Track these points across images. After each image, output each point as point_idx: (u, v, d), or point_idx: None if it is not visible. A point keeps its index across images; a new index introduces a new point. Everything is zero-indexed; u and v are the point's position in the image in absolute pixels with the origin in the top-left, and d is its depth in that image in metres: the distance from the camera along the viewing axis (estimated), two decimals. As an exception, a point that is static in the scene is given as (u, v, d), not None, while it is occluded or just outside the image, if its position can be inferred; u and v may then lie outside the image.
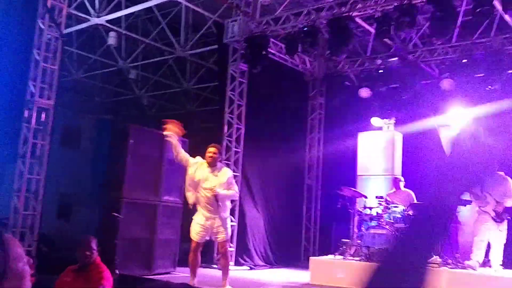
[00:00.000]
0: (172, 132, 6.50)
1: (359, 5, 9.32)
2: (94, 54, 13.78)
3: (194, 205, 6.53)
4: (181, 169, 8.57)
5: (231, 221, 8.51)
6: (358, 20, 9.87)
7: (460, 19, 8.96)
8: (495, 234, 7.58)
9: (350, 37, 9.38)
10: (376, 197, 8.86)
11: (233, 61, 10.90)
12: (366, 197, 9.19)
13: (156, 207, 8.49)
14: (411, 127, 10.79)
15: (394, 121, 11.49)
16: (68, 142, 15.63)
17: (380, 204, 8.56)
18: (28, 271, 1.27)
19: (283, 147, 11.37)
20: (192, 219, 6.64)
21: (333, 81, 12.47)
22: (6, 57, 8.32)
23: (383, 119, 11.53)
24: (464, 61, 9.98)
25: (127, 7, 11.01)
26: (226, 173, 6.58)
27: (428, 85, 10.91)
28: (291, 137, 11.80)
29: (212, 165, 6.47)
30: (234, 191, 6.63)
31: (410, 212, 8.14)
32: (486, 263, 7.65)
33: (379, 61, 11.74)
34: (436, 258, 7.51)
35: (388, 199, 8.63)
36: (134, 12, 11.44)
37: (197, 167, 6.47)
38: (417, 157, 10.65)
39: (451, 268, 7.51)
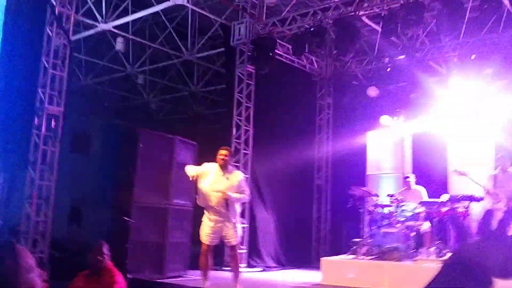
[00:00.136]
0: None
1: (365, 4, 9.30)
2: (102, 60, 13.87)
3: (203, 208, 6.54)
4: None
5: (242, 223, 8.51)
6: (364, 19, 9.85)
7: (467, 15, 8.90)
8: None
9: (357, 37, 9.37)
10: (388, 195, 8.83)
11: (240, 63, 10.91)
12: (376, 196, 9.16)
13: (167, 211, 8.51)
14: (420, 125, 10.74)
15: (403, 119, 11.43)
16: (77, 147, 15.67)
17: (391, 202, 8.52)
18: (39, 284, 1.27)
19: (292, 148, 11.35)
20: (202, 221, 6.64)
21: (340, 80, 12.44)
22: (16, 65, 8.39)
23: (392, 117, 11.48)
24: (472, 57, 9.92)
25: (133, 12, 11.06)
26: (237, 176, 6.56)
27: (436, 83, 10.85)
28: (299, 137, 11.78)
29: (224, 167, 6.46)
30: (245, 194, 6.60)
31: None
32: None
33: (386, 60, 11.70)
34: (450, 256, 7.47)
35: (399, 197, 8.59)
36: (141, 17, 11.49)
37: (209, 171, 6.47)
38: (426, 155, 10.59)
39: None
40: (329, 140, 12.72)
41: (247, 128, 10.77)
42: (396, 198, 8.52)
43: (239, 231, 6.73)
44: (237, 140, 10.60)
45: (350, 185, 9.04)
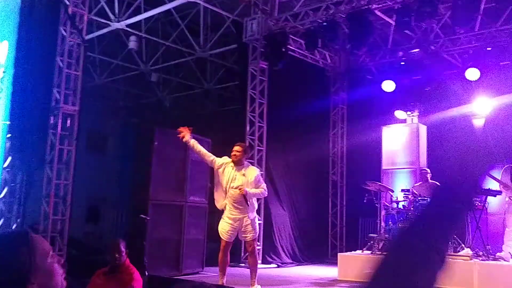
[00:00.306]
0: (186, 134, 6.50)
1: (378, -3, 9.22)
2: (116, 58, 13.94)
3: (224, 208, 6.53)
4: (206, 169, 8.64)
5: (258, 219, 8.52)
6: (377, 12, 9.76)
7: (482, 6, 8.78)
8: (527, 225, 7.43)
9: (370, 30, 9.29)
10: (402, 190, 8.76)
11: (253, 59, 10.90)
12: (392, 190, 9.10)
13: (183, 208, 8.55)
14: (435, 118, 10.63)
15: (418, 113, 11.33)
16: (93, 146, 15.85)
17: (407, 197, 8.46)
18: (58, 269, 1.27)
19: (306, 144, 11.32)
20: (219, 218, 6.65)
21: (354, 75, 12.36)
22: (31, 65, 8.47)
23: (406, 111, 11.39)
24: (488, 49, 9.79)
25: (146, 10, 11.10)
26: (253, 171, 6.56)
27: (451, 75, 10.73)
28: (314, 133, 11.74)
29: (238, 164, 6.45)
30: (263, 189, 6.59)
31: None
32: (518, 254, 7.50)
33: (400, 53, 11.60)
34: (467, 251, 7.40)
35: (415, 191, 8.52)
36: (154, 15, 11.52)
37: (224, 167, 6.47)
38: (442, 149, 10.48)
39: (482, 260, 7.38)
40: (344, 135, 12.66)
41: (260, 124, 10.76)
42: (413, 192, 8.45)
43: (257, 227, 6.74)
44: (250, 137, 10.60)
45: (365, 180, 9.00)
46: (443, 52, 10.91)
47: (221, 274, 6.60)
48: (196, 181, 8.74)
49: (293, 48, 11.07)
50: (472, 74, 10.03)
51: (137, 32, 12.12)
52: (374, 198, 8.89)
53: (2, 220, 8.62)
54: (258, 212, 9.27)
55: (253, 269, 6.73)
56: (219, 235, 6.60)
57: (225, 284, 6.57)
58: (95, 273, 4.73)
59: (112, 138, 16.93)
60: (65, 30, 8.70)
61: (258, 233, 6.97)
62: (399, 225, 8.03)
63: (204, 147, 9.05)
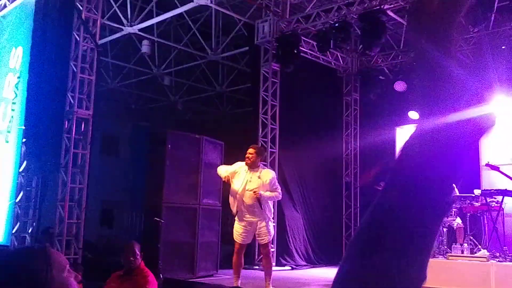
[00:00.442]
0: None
1: (390, -2, 9.17)
2: (129, 63, 14.04)
3: (236, 213, 6.52)
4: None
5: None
6: (389, 12, 9.71)
7: (496, 4, 8.68)
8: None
9: (382, 31, 9.24)
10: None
11: (265, 61, 10.90)
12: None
13: (196, 210, 8.57)
14: (449, 118, 10.51)
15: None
16: (107, 150, 15.98)
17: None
18: (73, 284, 1.29)
19: (319, 145, 11.28)
20: (233, 221, 6.65)
21: (367, 76, 12.31)
22: (45, 70, 8.56)
23: (420, 112, 11.28)
24: (503, 47, 9.68)
25: (158, 15, 11.16)
26: (269, 174, 6.53)
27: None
28: (326, 134, 11.70)
29: (252, 166, 6.42)
30: (277, 192, 6.57)
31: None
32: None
33: (412, 54, 11.51)
34: (484, 252, 7.32)
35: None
36: (166, 19, 11.58)
37: (238, 172, 6.46)
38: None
39: (499, 261, 7.29)
40: (357, 136, 12.61)
41: (273, 126, 10.75)
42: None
43: (272, 230, 6.72)
44: (263, 139, 10.59)
45: (379, 181, 8.93)
46: (456, 51, 10.79)
47: (235, 276, 6.60)
48: (210, 184, 8.76)
49: (305, 50, 11.05)
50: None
51: (149, 36, 12.19)
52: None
53: (18, 224, 8.71)
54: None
55: (268, 271, 6.72)
56: (233, 238, 6.60)
57: (240, 287, 6.56)
58: (110, 276, 4.75)
59: (125, 141, 17.05)
60: (78, 35, 8.78)
61: (272, 235, 6.95)
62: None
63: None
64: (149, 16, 11.17)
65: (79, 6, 8.75)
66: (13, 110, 9.08)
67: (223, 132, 11.13)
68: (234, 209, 6.52)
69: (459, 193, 8.59)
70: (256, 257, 9.71)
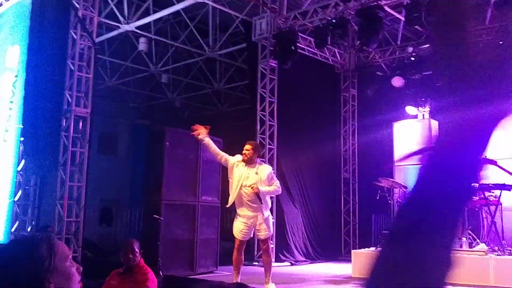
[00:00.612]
0: (202, 132, 6.56)
1: (387, -7, 9.18)
2: (126, 60, 14.03)
3: (233, 205, 6.54)
4: (218, 169, 8.66)
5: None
6: (386, 8, 9.71)
7: (493, -1, 8.70)
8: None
9: (380, 27, 9.24)
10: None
11: (263, 58, 10.89)
12: (405, 187, 9.05)
13: (195, 208, 8.58)
14: (447, 114, 10.54)
15: (429, 109, 11.27)
16: (105, 148, 15.97)
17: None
18: (75, 274, 1.31)
19: (317, 141, 11.30)
20: (232, 218, 6.66)
21: (364, 72, 12.33)
22: (43, 69, 8.55)
23: (417, 107, 11.32)
24: (500, 43, 9.69)
25: (155, 12, 11.15)
26: (265, 169, 6.56)
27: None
28: (325, 130, 11.72)
29: (249, 162, 6.45)
30: (276, 186, 6.60)
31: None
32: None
33: (410, 49, 11.53)
34: (482, 246, 7.35)
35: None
36: (163, 17, 11.57)
37: (237, 165, 6.49)
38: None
39: (498, 255, 7.32)
40: (355, 132, 12.63)
41: (271, 123, 10.76)
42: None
43: (271, 225, 6.73)
44: (261, 135, 10.60)
45: (378, 177, 8.96)
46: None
47: (235, 272, 6.61)
48: (208, 181, 8.77)
49: (302, 46, 11.05)
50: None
51: (146, 34, 12.18)
52: (387, 195, 8.85)
53: (17, 223, 8.72)
54: (270, 210, 9.29)
55: (267, 267, 6.73)
56: (232, 234, 6.61)
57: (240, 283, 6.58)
58: (110, 274, 4.76)
59: (124, 139, 17.04)
60: (75, 33, 8.77)
61: (272, 231, 6.97)
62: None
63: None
64: (146, 13, 11.15)
65: (76, 4, 8.74)
66: (10, 109, 9.07)
67: (221, 129, 11.13)
68: (229, 203, 6.56)
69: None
70: (256, 253, 9.73)
